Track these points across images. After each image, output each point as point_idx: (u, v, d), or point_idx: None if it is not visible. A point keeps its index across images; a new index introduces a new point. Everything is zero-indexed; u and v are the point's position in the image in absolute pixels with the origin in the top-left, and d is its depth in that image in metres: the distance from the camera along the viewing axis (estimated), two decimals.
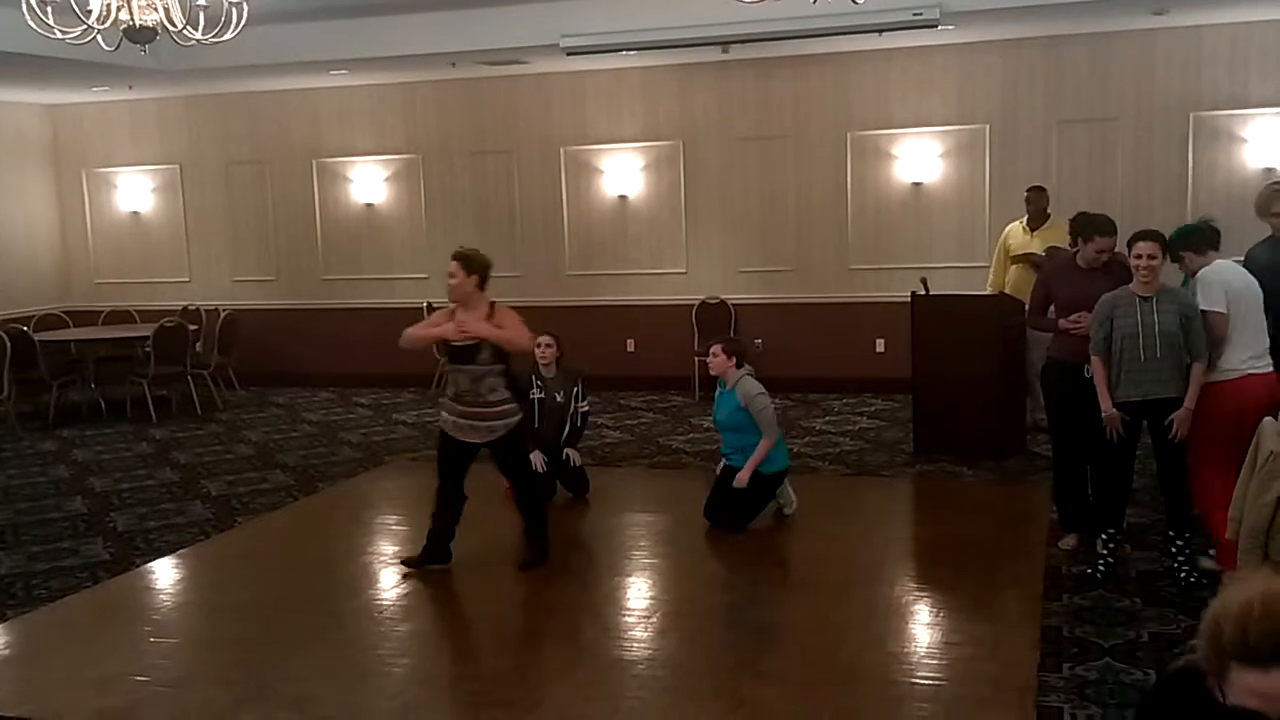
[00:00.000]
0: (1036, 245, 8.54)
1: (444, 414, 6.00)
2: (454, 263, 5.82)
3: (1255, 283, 5.49)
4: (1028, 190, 8.91)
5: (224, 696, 4.57)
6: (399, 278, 12.03)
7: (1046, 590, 5.42)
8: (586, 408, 7.58)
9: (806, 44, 9.85)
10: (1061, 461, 6.16)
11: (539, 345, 7.45)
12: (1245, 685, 1.96)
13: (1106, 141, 10.05)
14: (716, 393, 6.91)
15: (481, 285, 5.83)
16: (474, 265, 5.80)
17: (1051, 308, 6.09)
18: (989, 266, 9.81)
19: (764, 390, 6.69)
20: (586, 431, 7.92)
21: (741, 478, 6.59)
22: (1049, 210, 8.73)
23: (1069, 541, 6.04)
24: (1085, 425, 5.68)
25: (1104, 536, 5.60)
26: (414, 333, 6.05)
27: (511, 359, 5.92)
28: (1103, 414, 5.48)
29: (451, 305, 5.94)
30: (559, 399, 7.40)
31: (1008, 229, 8.95)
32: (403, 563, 6.11)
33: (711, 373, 6.84)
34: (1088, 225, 6.03)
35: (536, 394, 7.35)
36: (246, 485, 8.12)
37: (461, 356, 5.84)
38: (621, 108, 11.25)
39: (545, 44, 9.52)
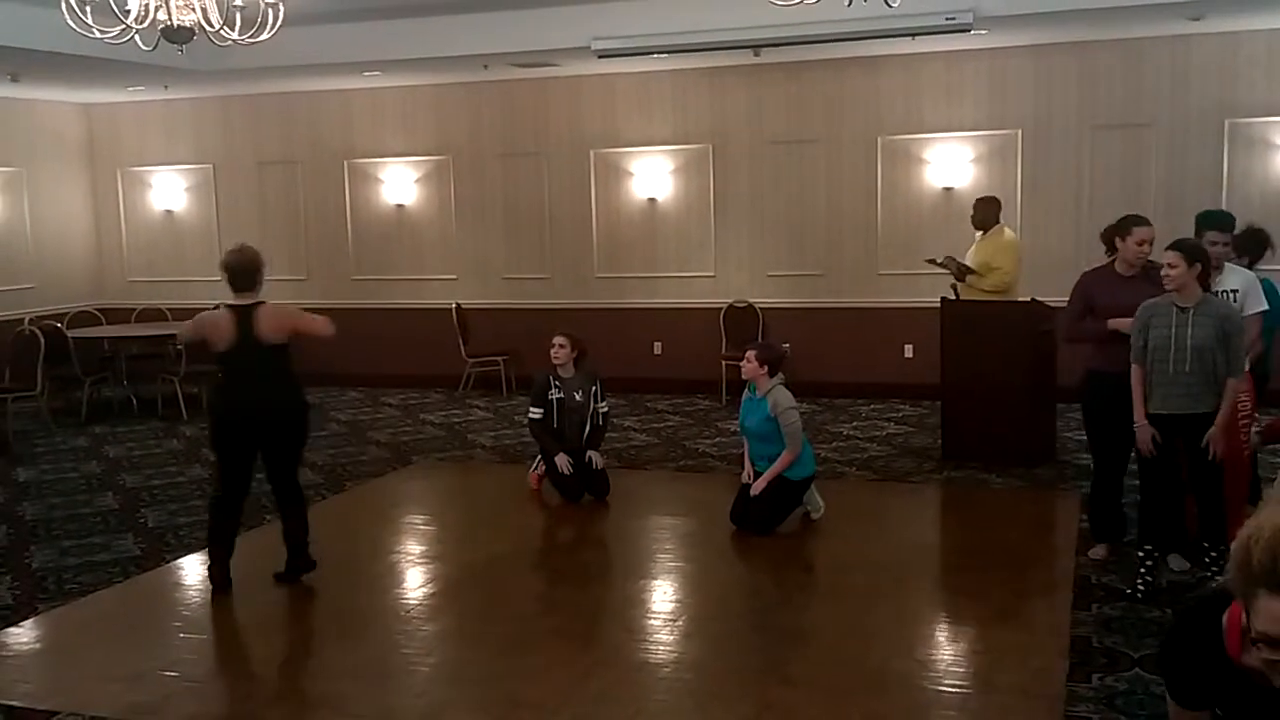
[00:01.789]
0: (972, 253, 8.53)
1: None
2: None
3: None
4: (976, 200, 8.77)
5: (253, 693, 4.61)
6: (429, 279, 12.09)
7: (1076, 599, 5.38)
8: (606, 408, 7.60)
9: (838, 47, 9.82)
10: (1100, 472, 6.07)
11: (552, 345, 7.50)
12: (1272, 613, 1.95)
13: (1140, 148, 9.97)
14: (744, 397, 6.89)
15: None
16: None
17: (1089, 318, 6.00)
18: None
19: (795, 404, 6.66)
20: (610, 433, 7.93)
21: (758, 486, 6.57)
22: (999, 219, 8.53)
23: (1098, 551, 5.98)
24: (1127, 437, 5.58)
25: (1141, 554, 5.45)
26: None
27: None
28: (1135, 425, 5.42)
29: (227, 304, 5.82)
30: (578, 398, 7.42)
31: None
32: (276, 576, 5.94)
33: (743, 377, 6.83)
34: (1121, 222, 5.95)
35: (555, 394, 7.37)
36: None
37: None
38: (652, 110, 11.26)
39: (577, 46, 9.54)
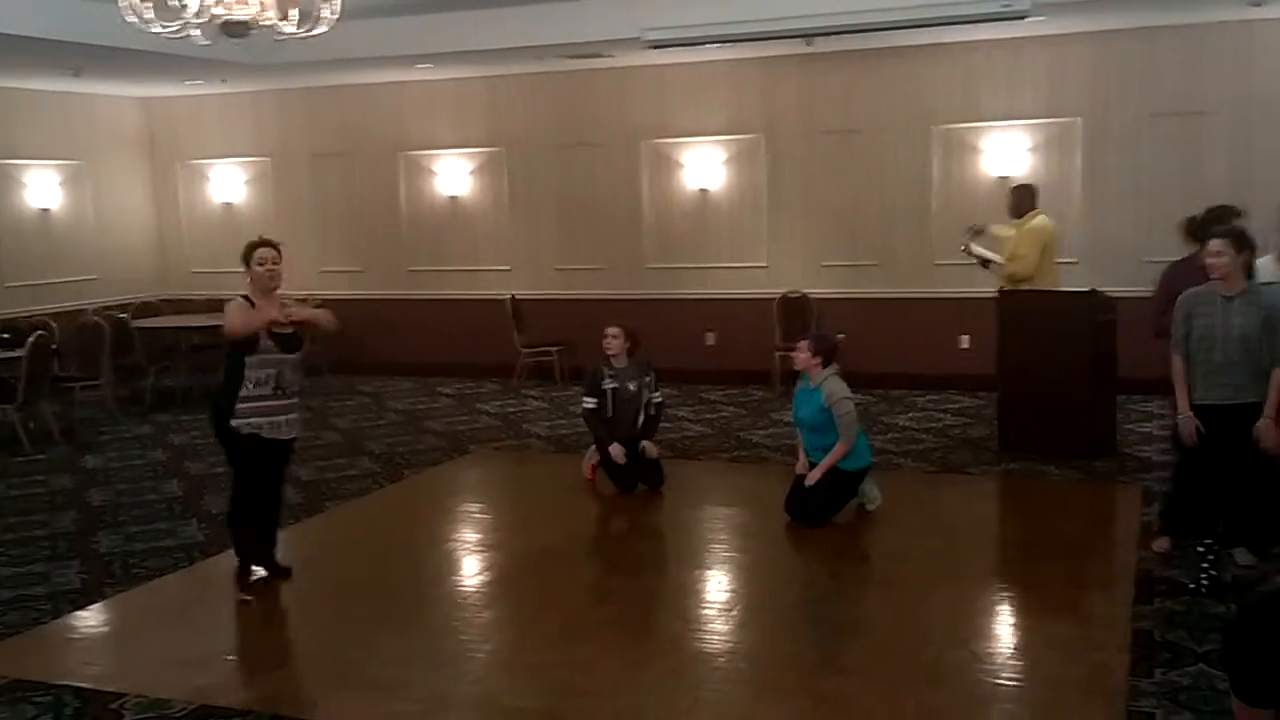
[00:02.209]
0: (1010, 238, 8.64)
1: (254, 419, 5.58)
2: (274, 252, 5.68)
3: None
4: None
5: (313, 677, 4.68)
6: (482, 269, 12.16)
7: (1137, 593, 5.31)
8: (660, 398, 7.61)
9: (892, 36, 9.74)
10: (1182, 465, 5.88)
11: (605, 336, 7.50)
12: None
13: (1202, 136, 9.78)
14: (797, 387, 6.86)
15: None
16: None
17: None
18: (1077, 262, 9.65)
19: (849, 394, 6.62)
20: (665, 424, 7.94)
21: (813, 477, 6.55)
22: (1034, 205, 8.54)
23: (1161, 544, 5.89)
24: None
25: (1201, 549, 5.35)
26: (247, 320, 5.57)
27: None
28: (1178, 416, 5.34)
29: (241, 297, 5.69)
30: (632, 388, 7.44)
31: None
32: (247, 590, 5.79)
33: (797, 368, 6.80)
34: (1218, 217, 5.86)
35: (610, 384, 7.39)
36: (335, 471, 8.29)
37: (291, 345, 5.68)
38: (704, 100, 11.23)
39: (628, 37, 9.53)
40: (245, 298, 5.66)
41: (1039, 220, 8.53)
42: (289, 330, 5.63)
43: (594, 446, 7.63)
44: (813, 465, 6.65)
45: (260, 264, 5.63)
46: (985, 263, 8.80)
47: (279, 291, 5.72)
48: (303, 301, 5.83)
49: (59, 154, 12.16)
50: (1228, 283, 5.15)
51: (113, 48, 8.88)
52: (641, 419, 7.47)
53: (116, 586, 5.87)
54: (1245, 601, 2.55)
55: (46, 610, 5.52)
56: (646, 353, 7.72)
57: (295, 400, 5.73)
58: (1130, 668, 4.48)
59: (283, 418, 5.66)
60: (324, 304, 11.67)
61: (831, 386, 6.57)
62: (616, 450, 7.32)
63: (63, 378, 10.05)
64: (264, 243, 5.71)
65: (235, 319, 5.56)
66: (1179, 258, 6.48)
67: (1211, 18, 9.47)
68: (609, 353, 7.46)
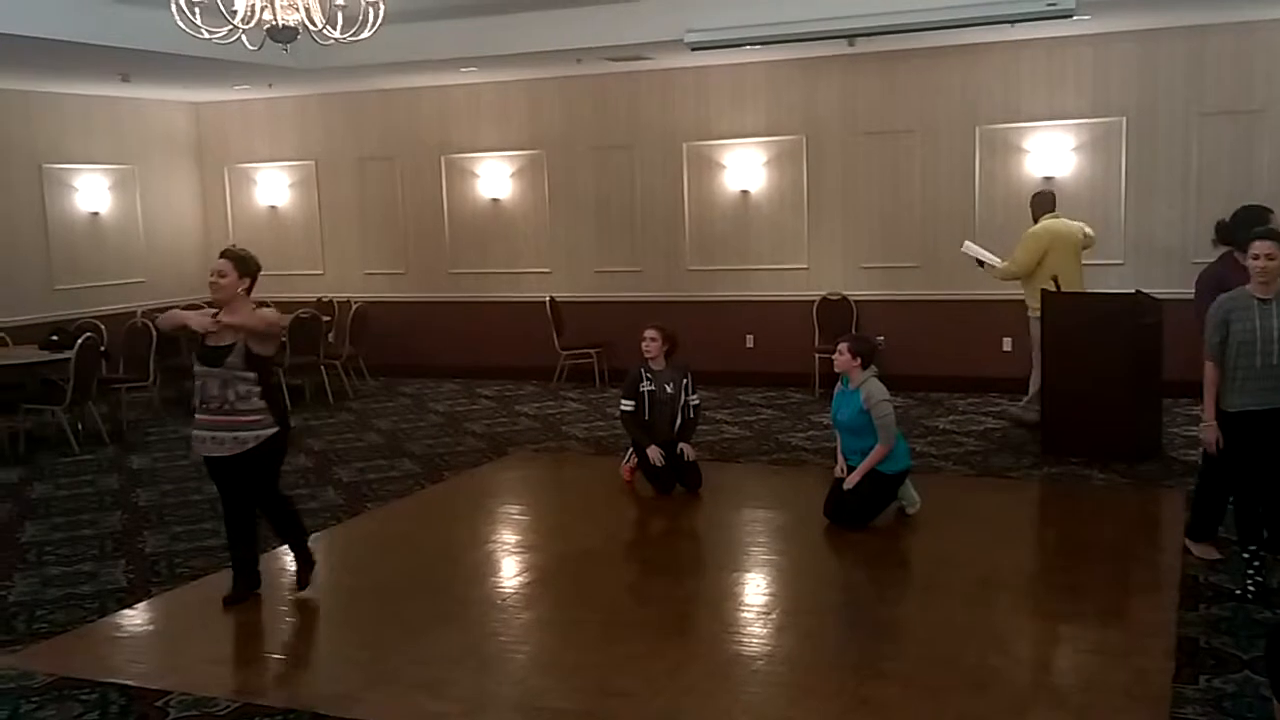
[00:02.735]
0: None
1: (192, 431, 5.48)
2: (225, 261, 5.38)
3: None
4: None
5: (354, 676, 4.72)
6: (524, 272, 12.21)
7: (1182, 599, 5.24)
8: (697, 400, 7.60)
9: (934, 36, 9.68)
10: (1210, 469, 5.81)
11: (643, 339, 7.50)
12: None
13: (1251, 135, 9.63)
14: (836, 390, 6.84)
15: (249, 290, 5.45)
16: (248, 267, 5.43)
17: None
18: (1122, 264, 9.55)
19: (889, 396, 6.59)
20: (703, 426, 7.92)
21: (851, 480, 6.52)
22: (1051, 208, 8.88)
23: (1209, 551, 5.80)
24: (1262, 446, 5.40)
25: (1246, 555, 5.28)
26: (163, 319, 5.59)
27: (266, 375, 5.43)
28: (1202, 424, 5.28)
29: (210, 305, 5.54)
30: (669, 390, 7.44)
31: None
32: (224, 600, 5.60)
33: (836, 369, 6.78)
34: (1256, 216, 5.79)
35: (646, 387, 7.40)
36: (376, 472, 8.36)
37: (210, 358, 5.36)
38: (744, 102, 11.22)
39: (670, 39, 9.54)
40: (209, 304, 5.50)
41: (1044, 223, 8.75)
42: (215, 338, 5.35)
43: (631, 449, 7.64)
44: (851, 468, 6.62)
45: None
46: (980, 263, 9.08)
47: (259, 307, 5.51)
48: (264, 305, 5.57)
49: (108, 158, 12.35)
50: (1267, 286, 5.09)
51: (161, 53, 9.01)
52: (679, 421, 7.48)
53: (162, 585, 5.96)
54: None
55: (93, 609, 5.61)
56: (684, 355, 7.72)
57: (222, 418, 5.34)
58: (1175, 674, 4.43)
59: (207, 434, 5.38)
60: (360, 305, 11.82)
61: (870, 389, 6.54)
62: (654, 452, 7.33)
63: (111, 379, 10.21)
64: (226, 254, 5.50)
65: (175, 312, 5.62)
66: (1213, 260, 6.40)
67: (1261, 15, 9.32)
68: (647, 355, 7.47)
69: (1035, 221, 8.80)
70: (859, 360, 6.61)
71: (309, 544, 5.84)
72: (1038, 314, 8.38)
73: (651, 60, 10.82)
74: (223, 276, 5.35)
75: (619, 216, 11.80)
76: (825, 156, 10.98)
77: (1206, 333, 5.31)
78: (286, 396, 6.08)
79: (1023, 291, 8.90)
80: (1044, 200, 8.91)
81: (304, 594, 5.71)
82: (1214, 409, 5.27)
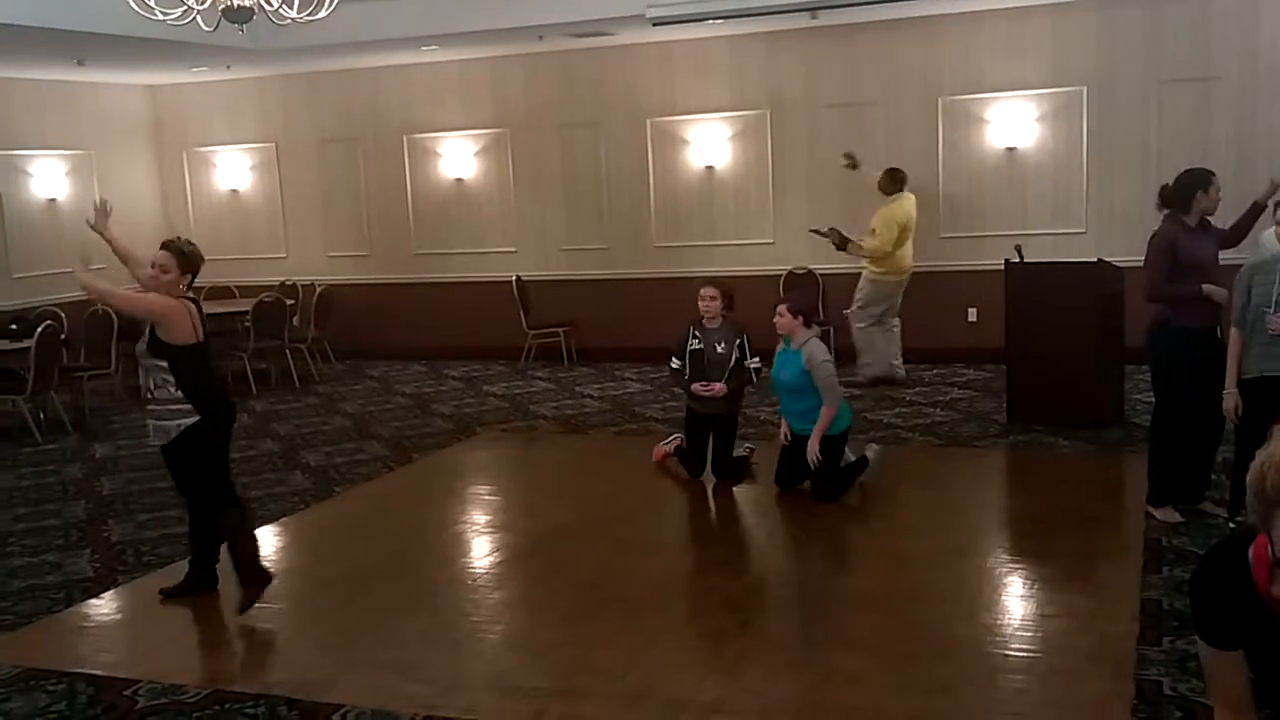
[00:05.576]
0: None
1: None
2: (167, 255, 5.23)
3: None
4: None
5: (326, 661, 4.70)
6: (489, 252, 12.16)
7: (1146, 563, 5.31)
8: (757, 364, 7.15)
9: (895, 8, 9.66)
10: (1171, 430, 5.85)
11: (700, 297, 7.18)
12: None
13: (1210, 103, 9.71)
14: (778, 350, 6.83)
15: (190, 285, 5.33)
16: (190, 263, 5.27)
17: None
18: (1083, 233, 9.62)
19: (830, 357, 6.61)
20: (670, 402, 7.86)
21: (812, 448, 6.46)
22: (900, 188, 9.65)
23: (1170, 514, 5.87)
24: (1208, 396, 5.48)
25: (1233, 526, 5.37)
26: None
27: (182, 363, 5.18)
28: (1226, 391, 5.31)
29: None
30: (719, 350, 7.08)
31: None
32: (161, 591, 5.51)
33: (778, 331, 6.76)
34: (1199, 177, 5.84)
35: (694, 345, 7.11)
36: (344, 456, 8.32)
37: (151, 347, 5.25)
38: (708, 77, 11.19)
39: (631, 14, 9.49)
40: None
41: (899, 202, 9.46)
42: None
43: (673, 436, 7.52)
44: (794, 431, 6.60)
45: None
46: (842, 244, 9.66)
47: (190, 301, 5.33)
48: (194, 298, 5.39)
49: (65, 144, 12.17)
50: None
51: (117, 36, 8.87)
52: (726, 375, 7.10)
53: (129, 574, 5.91)
54: (1212, 547, 2.62)
55: (59, 599, 5.56)
56: (740, 317, 7.35)
57: (150, 408, 5.24)
58: (1139, 636, 4.49)
59: (149, 423, 5.30)
60: (324, 288, 11.73)
61: (812, 350, 6.54)
62: (701, 388, 6.97)
63: (72, 367, 10.10)
64: (167, 246, 5.34)
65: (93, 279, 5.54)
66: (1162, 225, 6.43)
67: None
68: (705, 313, 7.13)
69: (887, 194, 9.57)
70: (800, 319, 6.62)
71: (260, 564, 5.35)
72: (876, 275, 9.61)
73: (614, 36, 10.76)
74: (165, 271, 5.23)
75: (585, 194, 11.76)
76: (789, 130, 10.98)
77: (1234, 298, 5.33)
78: (219, 385, 5.86)
79: (865, 257, 9.65)
80: (892, 175, 9.62)
81: (273, 579, 5.52)
82: (1235, 376, 5.27)
